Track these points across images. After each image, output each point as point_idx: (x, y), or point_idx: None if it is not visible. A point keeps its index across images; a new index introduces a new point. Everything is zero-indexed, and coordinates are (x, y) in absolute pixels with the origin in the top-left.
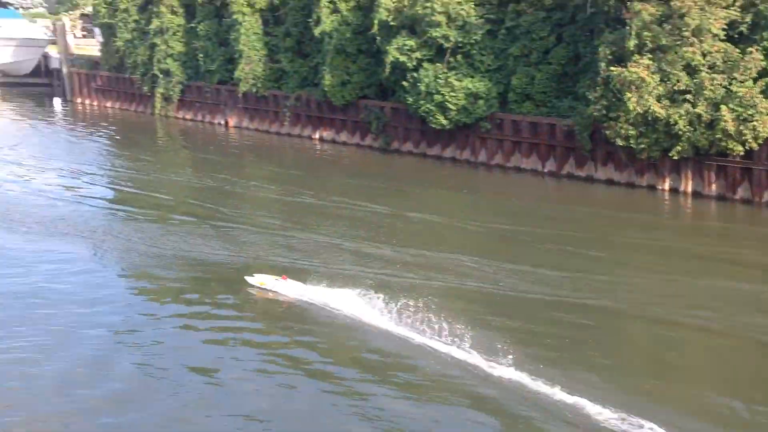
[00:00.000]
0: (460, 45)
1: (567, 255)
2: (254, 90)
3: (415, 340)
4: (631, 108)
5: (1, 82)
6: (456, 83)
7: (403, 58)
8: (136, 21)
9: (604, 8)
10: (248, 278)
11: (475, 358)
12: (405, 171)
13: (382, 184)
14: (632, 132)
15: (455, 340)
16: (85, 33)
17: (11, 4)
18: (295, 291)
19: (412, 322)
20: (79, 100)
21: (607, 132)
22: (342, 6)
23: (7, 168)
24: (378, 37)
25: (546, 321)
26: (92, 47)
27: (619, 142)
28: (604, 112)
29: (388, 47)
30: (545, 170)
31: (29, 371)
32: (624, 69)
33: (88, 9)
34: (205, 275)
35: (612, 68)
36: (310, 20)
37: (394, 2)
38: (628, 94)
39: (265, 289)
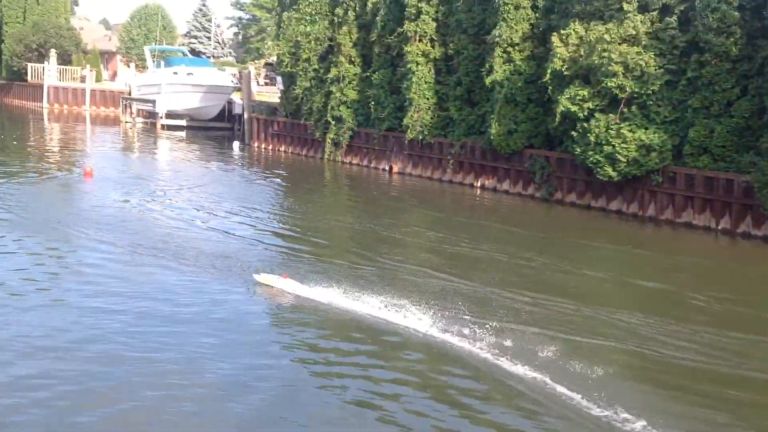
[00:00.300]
0: (635, 95)
1: (741, 320)
2: (421, 137)
3: (574, 401)
4: None
5: (188, 126)
6: (628, 134)
7: (574, 108)
8: (315, 70)
9: None
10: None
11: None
12: (567, 222)
13: (542, 234)
14: None
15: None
16: (267, 81)
17: (204, 54)
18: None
19: (569, 382)
20: (256, 144)
21: None
22: (516, 56)
23: (186, 207)
24: (549, 87)
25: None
26: (272, 94)
27: None
28: None
29: (559, 96)
30: (718, 228)
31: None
32: None
33: (273, 58)
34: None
35: None
36: (482, 70)
37: (569, 52)
38: None
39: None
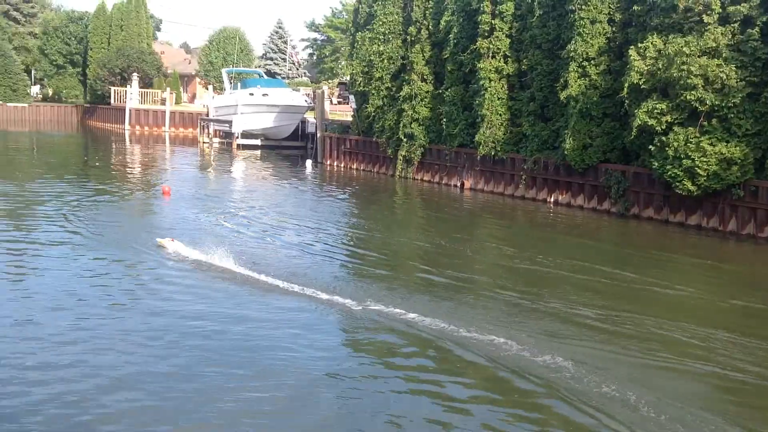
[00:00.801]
0: (716, 108)
1: None
2: (493, 153)
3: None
4: None
5: (262, 145)
6: (708, 148)
7: (651, 122)
8: (387, 88)
9: None
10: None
11: None
12: (645, 238)
13: (619, 251)
14: None
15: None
16: (340, 100)
17: (280, 75)
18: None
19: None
20: (328, 162)
21: None
22: (591, 70)
23: (259, 225)
24: (626, 101)
25: None
26: (345, 113)
27: None
28: None
29: (636, 110)
30: None
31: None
32: None
33: (346, 78)
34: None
35: None
36: (557, 85)
37: (647, 65)
38: None
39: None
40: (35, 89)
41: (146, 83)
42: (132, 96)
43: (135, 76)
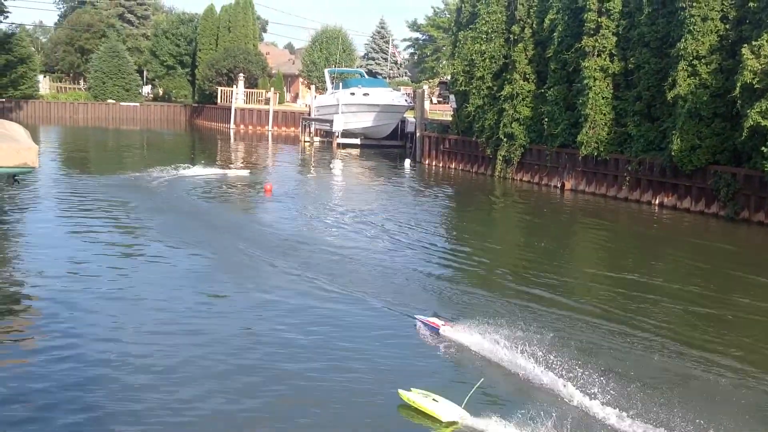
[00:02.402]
0: None
1: None
2: (595, 153)
3: None
4: None
5: (362, 144)
6: None
7: (765, 122)
8: (489, 87)
9: None
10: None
11: None
12: (759, 244)
13: (734, 261)
14: None
15: None
16: (440, 99)
17: (381, 74)
18: None
19: None
20: (426, 162)
21: None
22: (702, 69)
23: (357, 226)
24: (739, 101)
25: None
26: (444, 112)
27: None
28: None
29: (749, 110)
30: None
31: None
32: None
33: (447, 77)
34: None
35: None
36: (664, 84)
37: (761, 64)
38: None
39: None
40: (146, 89)
41: (251, 83)
42: (238, 96)
43: (241, 77)
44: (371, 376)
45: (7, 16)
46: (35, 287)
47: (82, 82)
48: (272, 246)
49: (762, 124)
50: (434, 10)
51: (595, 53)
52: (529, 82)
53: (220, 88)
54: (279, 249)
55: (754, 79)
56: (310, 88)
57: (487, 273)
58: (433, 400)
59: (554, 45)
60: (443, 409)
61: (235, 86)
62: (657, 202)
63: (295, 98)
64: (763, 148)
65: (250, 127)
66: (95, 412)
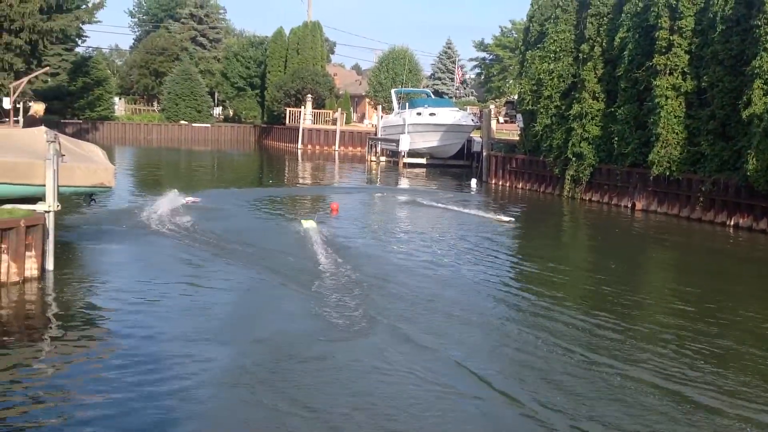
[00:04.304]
0: None
1: None
2: (667, 173)
3: None
4: None
5: (428, 163)
6: None
7: None
8: (557, 107)
9: None
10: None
11: None
12: None
13: None
14: None
15: None
16: (507, 119)
17: (447, 94)
18: None
19: None
20: (493, 181)
21: None
22: None
23: (421, 248)
24: None
25: None
26: (511, 132)
27: None
28: None
29: None
30: None
31: None
32: None
33: (513, 97)
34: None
35: None
36: (739, 102)
37: None
38: None
39: None
40: (217, 110)
41: (319, 104)
42: (305, 116)
43: (309, 98)
44: None
45: (85, 41)
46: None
47: (155, 103)
48: (331, 270)
49: None
50: (501, 30)
51: (667, 71)
52: (598, 101)
53: (288, 109)
54: (337, 274)
55: None
56: (376, 109)
57: (559, 294)
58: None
59: (624, 63)
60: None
61: (303, 107)
62: (732, 223)
63: (362, 118)
64: None
65: (318, 147)
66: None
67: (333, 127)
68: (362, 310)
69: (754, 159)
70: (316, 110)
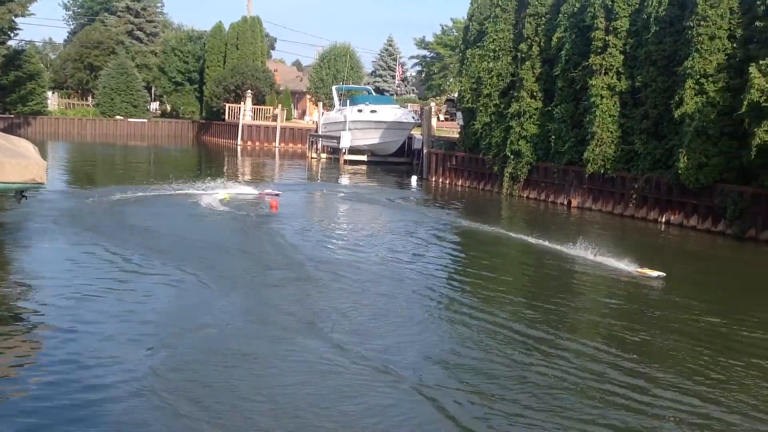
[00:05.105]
0: None
1: None
2: (602, 171)
3: None
4: None
5: (368, 161)
6: None
7: None
8: (496, 105)
9: None
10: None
11: None
12: (761, 262)
13: (737, 278)
14: None
15: None
16: (447, 116)
17: (388, 91)
18: None
19: None
20: (433, 178)
21: None
22: (709, 87)
23: (360, 245)
24: (746, 119)
25: None
26: (451, 129)
27: None
28: None
29: (756, 129)
30: None
31: None
32: None
33: (454, 95)
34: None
35: None
36: (671, 102)
37: None
38: None
39: None
40: (154, 105)
41: (259, 100)
42: (245, 112)
43: (249, 93)
44: None
45: (17, 33)
46: (38, 304)
47: (90, 98)
48: (267, 266)
49: None
50: (442, 28)
51: (603, 71)
52: (536, 100)
53: (227, 105)
54: (274, 273)
55: (761, 97)
56: (317, 105)
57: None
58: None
59: (562, 63)
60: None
61: (242, 103)
62: (663, 219)
63: (303, 115)
64: None
65: (258, 144)
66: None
67: (273, 123)
68: (295, 308)
69: (685, 157)
70: (256, 106)
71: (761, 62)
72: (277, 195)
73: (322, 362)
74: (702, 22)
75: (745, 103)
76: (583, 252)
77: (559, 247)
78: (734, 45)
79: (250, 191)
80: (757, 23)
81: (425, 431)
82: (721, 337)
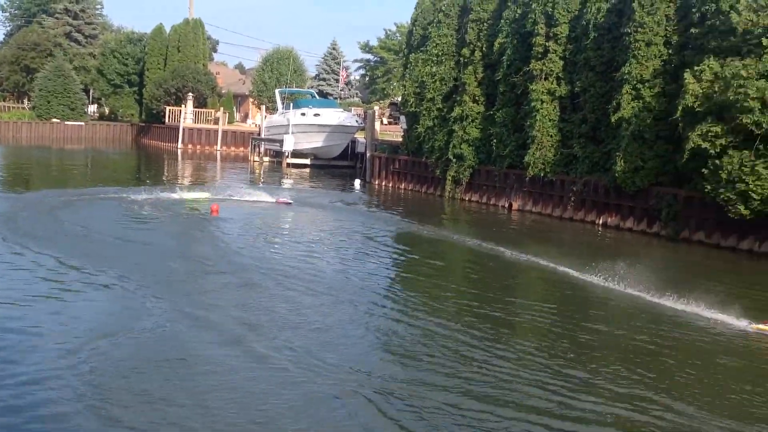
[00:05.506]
0: None
1: None
2: (542, 174)
3: None
4: None
5: (312, 164)
6: (763, 171)
7: (705, 145)
8: (439, 109)
9: None
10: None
11: None
12: (695, 262)
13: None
14: None
15: None
16: (391, 120)
17: (332, 95)
18: None
19: None
20: (376, 182)
21: None
22: (645, 92)
23: (300, 249)
24: (680, 123)
25: None
26: (395, 133)
27: None
28: None
29: (690, 133)
30: None
31: None
32: None
33: (397, 98)
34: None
35: None
36: (609, 107)
37: (702, 89)
38: None
39: None
40: (92, 108)
41: (201, 103)
42: (186, 115)
43: (190, 96)
44: None
45: None
46: None
47: (26, 101)
48: (207, 274)
49: (702, 147)
50: (386, 33)
51: (543, 76)
52: (478, 104)
53: (168, 108)
54: (215, 280)
55: (695, 102)
56: (260, 108)
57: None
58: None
59: (503, 68)
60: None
61: (183, 105)
62: (601, 222)
63: (245, 118)
64: (703, 170)
65: (199, 147)
66: None
67: (215, 126)
68: (233, 312)
69: (622, 161)
70: (197, 109)
71: (696, 68)
72: (289, 204)
73: (256, 367)
74: (639, 29)
75: (680, 108)
76: (520, 255)
77: (502, 249)
78: (670, 51)
79: (266, 198)
80: (692, 30)
81: None
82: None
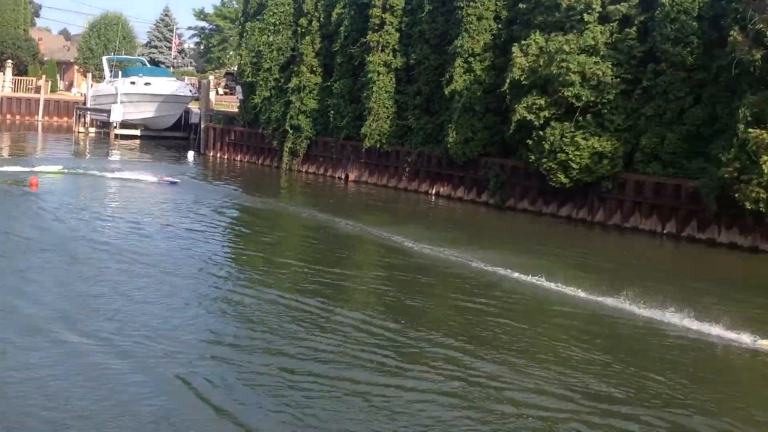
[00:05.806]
0: (591, 104)
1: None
2: (378, 145)
3: None
4: (766, 171)
5: (142, 135)
6: (582, 142)
7: (530, 117)
8: (276, 79)
9: (750, 69)
10: None
11: None
12: (517, 227)
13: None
14: (763, 195)
15: None
16: (227, 90)
17: (164, 64)
18: None
19: None
20: (211, 153)
21: (737, 195)
22: (476, 65)
23: (126, 223)
24: (508, 96)
25: None
26: (231, 104)
27: (748, 206)
28: (736, 174)
29: (516, 106)
30: (664, 232)
31: None
32: (764, 131)
33: (234, 68)
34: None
35: (750, 130)
36: (443, 79)
37: (529, 62)
38: (765, 157)
39: None
40: None
41: (21, 71)
42: (5, 84)
43: (9, 63)
44: None
45: None
46: None
47: None
48: (25, 249)
49: (528, 119)
50: (222, 0)
51: (380, 48)
52: (316, 75)
53: None
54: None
55: (521, 76)
56: (86, 77)
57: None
58: None
59: (341, 39)
60: None
61: (2, 73)
62: (434, 191)
63: (70, 87)
64: (528, 141)
65: (18, 117)
66: None
67: (36, 95)
68: (51, 295)
69: (454, 132)
70: (17, 77)
71: (523, 43)
72: (174, 183)
73: (78, 354)
74: (471, 3)
75: (508, 81)
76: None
77: (338, 220)
78: (500, 26)
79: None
80: (520, 5)
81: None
82: None
